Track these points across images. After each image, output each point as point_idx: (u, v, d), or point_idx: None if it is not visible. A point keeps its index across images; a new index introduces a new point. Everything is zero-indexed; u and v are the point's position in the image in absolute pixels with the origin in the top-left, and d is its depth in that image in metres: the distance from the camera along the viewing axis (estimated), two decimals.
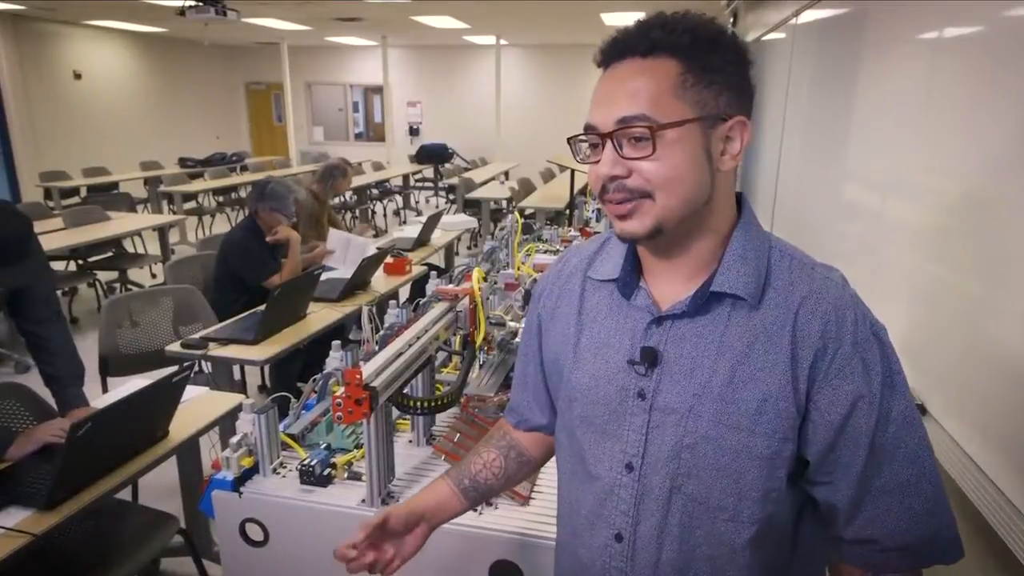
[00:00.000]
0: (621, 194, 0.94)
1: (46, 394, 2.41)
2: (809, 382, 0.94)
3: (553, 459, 1.36)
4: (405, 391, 1.68)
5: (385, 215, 11.31)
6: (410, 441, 1.98)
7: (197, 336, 3.18)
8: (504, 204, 8.86)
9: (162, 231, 6.79)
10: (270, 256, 3.99)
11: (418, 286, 4.74)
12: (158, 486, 2.82)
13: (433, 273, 4.73)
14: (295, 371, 3.76)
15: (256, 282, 3.86)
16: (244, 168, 12.15)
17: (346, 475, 1.76)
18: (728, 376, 0.96)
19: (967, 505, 1.54)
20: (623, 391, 1.03)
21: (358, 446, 1.87)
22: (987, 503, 1.50)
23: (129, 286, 6.57)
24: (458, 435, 1.87)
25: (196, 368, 3.12)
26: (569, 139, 1.02)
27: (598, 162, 0.95)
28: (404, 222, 10.82)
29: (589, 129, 0.96)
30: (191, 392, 2.49)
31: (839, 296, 0.96)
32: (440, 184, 12.87)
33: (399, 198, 11.87)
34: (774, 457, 0.96)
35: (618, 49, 0.95)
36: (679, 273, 1.02)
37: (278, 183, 3.98)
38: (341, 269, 4.35)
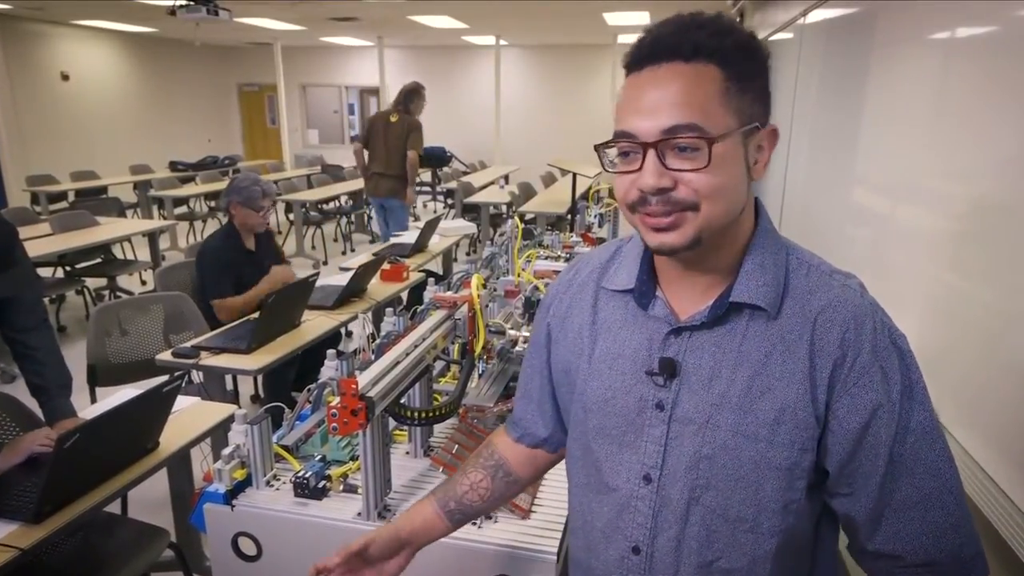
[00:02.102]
0: (665, 206, 0.92)
1: (33, 404, 2.42)
2: (828, 391, 0.95)
3: (553, 472, 1.37)
4: (402, 401, 1.69)
5: None
6: (407, 453, 1.99)
7: (188, 345, 3.18)
8: (504, 209, 8.88)
9: (152, 237, 6.80)
10: (242, 268, 3.85)
11: (415, 293, 4.74)
12: (148, 499, 2.82)
13: (431, 280, 4.73)
14: (289, 381, 3.76)
15: (208, 297, 3.73)
16: (236, 172, 12.15)
17: (341, 488, 1.76)
18: (746, 386, 0.97)
19: (978, 516, 1.55)
20: (641, 402, 1.04)
21: (354, 458, 1.88)
22: (999, 515, 1.50)
23: (118, 293, 6.57)
24: (456, 446, 1.88)
25: (187, 378, 3.13)
26: (597, 146, 0.99)
27: (630, 172, 0.93)
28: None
29: (625, 136, 0.93)
30: (182, 402, 2.50)
31: (858, 304, 0.96)
32: (438, 188, 12.88)
33: None
34: (793, 468, 0.96)
35: (657, 50, 0.92)
36: (697, 282, 1.02)
37: (244, 176, 3.92)
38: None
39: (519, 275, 2.93)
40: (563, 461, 1.27)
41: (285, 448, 1.88)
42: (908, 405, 0.94)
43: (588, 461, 1.13)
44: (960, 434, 1.77)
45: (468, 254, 8.86)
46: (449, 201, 11.65)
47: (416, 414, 1.74)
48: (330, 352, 2.14)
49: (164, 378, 2.13)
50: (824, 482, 1.00)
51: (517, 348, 2.24)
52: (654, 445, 1.03)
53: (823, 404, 0.95)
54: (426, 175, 13.28)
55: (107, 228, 6.49)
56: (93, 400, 3.11)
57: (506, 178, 11.58)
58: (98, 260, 6.61)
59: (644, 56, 0.93)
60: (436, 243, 5.67)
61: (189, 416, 2.47)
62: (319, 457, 1.86)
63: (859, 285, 1.00)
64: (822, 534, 1.06)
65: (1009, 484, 1.54)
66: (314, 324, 3.57)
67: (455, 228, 6.24)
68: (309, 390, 2.05)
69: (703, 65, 0.90)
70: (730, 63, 0.90)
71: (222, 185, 10.22)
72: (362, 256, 5.06)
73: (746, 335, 0.98)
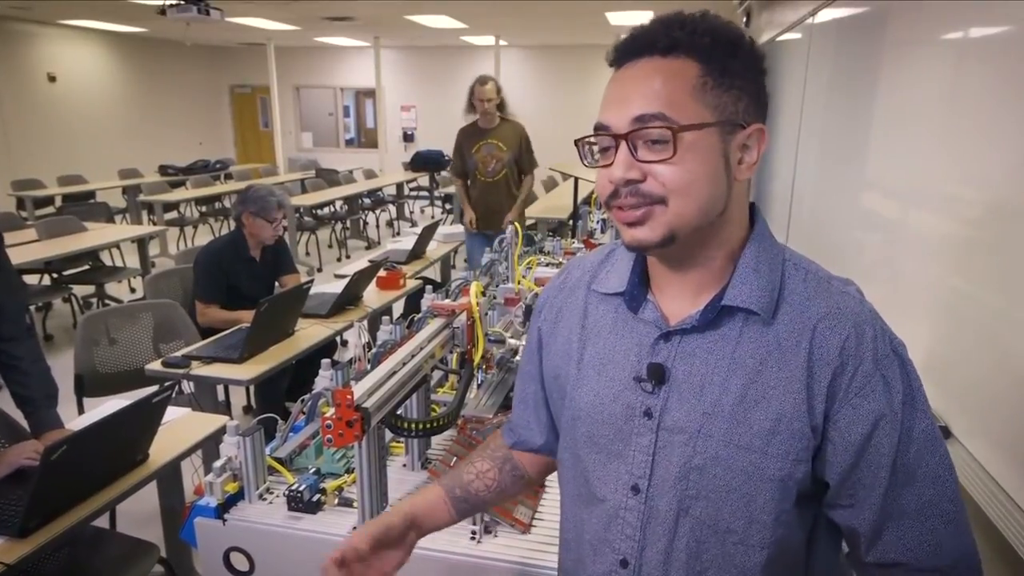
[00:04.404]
0: (634, 199, 0.94)
1: (19, 416, 2.42)
2: (828, 401, 0.95)
3: (554, 485, 1.37)
4: (399, 412, 1.69)
5: (378, 226, 11.33)
6: (404, 465, 1.99)
7: (179, 354, 3.19)
8: None
9: (141, 243, 6.81)
10: (239, 277, 3.90)
11: (413, 301, 4.75)
12: (137, 513, 2.82)
13: (428, 287, 4.74)
14: (282, 391, 3.76)
15: (193, 296, 3.83)
16: (228, 176, 12.20)
17: (336, 501, 1.77)
18: (739, 395, 0.97)
19: (993, 531, 1.55)
20: (629, 409, 1.04)
21: (349, 471, 1.88)
22: (1014, 529, 1.50)
23: (106, 301, 6.58)
24: (455, 459, 1.88)
25: (178, 388, 3.13)
26: (577, 141, 1.02)
27: (608, 165, 0.96)
28: (398, 233, 10.87)
29: (601, 129, 0.96)
30: (172, 413, 2.50)
31: (858, 311, 0.96)
32: (436, 193, 12.90)
33: (392, 208, 11.91)
34: (786, 479, 0.96)
35: (635, 47, 0.95)
36: (689, 286, 1.02)
37: (259, 187, 3.97)
38: None
39: (519, 282, 2.93)
40: None
41: (278, 460, 1.89)
42: (910, 414, 0.94)
43: (577, 471, 1.13)
44: (970, 443, 1.77)
45: (467, 260, 8.85)
46: (447, 206, 11.67)
47: (413, 425, 1.74)
48: (325, 362, 2.14)
49: (154, 388, 2.13)
50: (820, 493, 1.00)
51: (517, 357, 2.24)
52: (642, 455, 1.03)
53: (821, 414, 0.95)
54: (423, 179, 13.31)
55: (95, 234, 6.51)
56: (81, 411, 3.11)
57: None
58: (86, 267, 6.62)
59: (623, 52, 0.97)
60: (434, 250, 5.68)
61: (179, 427, 2.48)
62: (313, 470, 1.86)
63: (858, 291, 1.01)
64: (817, 546, 1.06)
65: (1021, 495, 1.54)
66: (308, 333, 3.58)
67: (453, 234, 6.24)
68: (303, 401, 2.05)
69: (679, 60, 0.93)
70: (709, 59, 0.92)
71: (213, 189, 10.28)
72: (358, 263, 5.06)
73: (740, 341, 0.98)
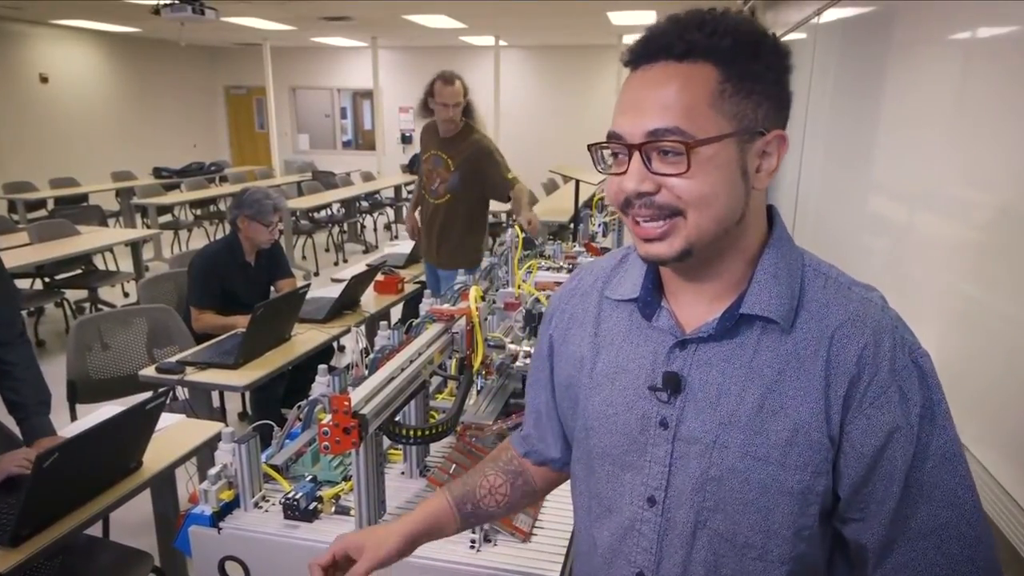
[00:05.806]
0: (649, 211, 0.93)
1: (10, 422, 2.42)
2: (843, 411, 0.93)
3: (555, 493, 1.36)
4: (397, 419, 1.69)
5: (375, 229, 11.33)
6: (402, 473, 1.99)
7: (173, 360, 3.19)
8: (503, 217, 8.88)
9: (135, 247, 6.81)
10: (234, 281, 3.91)
11: (411, 306, 4.74)
12: (131, 521, 2.82)
13: (427, 291, 4.73)
14: (278, 397, 3.76)
15: (188, 301, 3.84)
16: (223, 179, 12.19)
17: (333, 509, 1.77)
18: (757, 405, 0.96)
19: (1001, 539, 1.54)
20: (644, 419, 1.03)
21: (346, 478, 1.88)
22: (1022, 536, 1.50)
23: (99, 306, 6.58)
24: (454, 466, 1.88)
25: (172, 394, 3.13)
26: (590, 146, 1.00)
27: (621, 173, 0.94)
28: (396, 237, 10.86)
29: (614, 137, 0.94)
30: (166, 420, 2.50)
31: (878, 319, 0.95)
32: None
33: (390, 211, 11.92)
34: (806, 492, 0.95)
35: (650, 49, 0.92)
36: (705, 294, 1.01)
37: (255, 190, 3.97)
38: None
39: (519, 287, 2.93)
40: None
41: (274, 468, 1.89)
42: (928, 428, 0.92)
43: (591, 482, 1.13)
44: (980, 451, 1.77)
45: None
46: None
47: (412, 432, 1.74)
48: (321, 367, 2.14)
49: (148, 395, 2.13)
50: (836, 507, 0.99)
51: (517, 363, 2.24)
52: (658, 466, 1.02)
53: (837, 424, 0.94)
54: None
55: (88, 238, 6.50)
56: (73, 418, 3.10)
57: None
58: (78, 271, 6.61)
59: (639, 55, 0.94)
60: None
61: (174, 434, 2.48)
62: (310, 477, 1.86)
63: (880, 298, 0.99)
64: (836, 563, 1.04)
65: None
66: (305, 338, 3.58)
67: None
68: (299, 407, 2.05)
69: (697, 65, 0.90)
70: (729, 63, 0.89)
71: (208, 192, 10.28)
72: (355, 267, 5.06)
73: (757, 350, 0.97)
